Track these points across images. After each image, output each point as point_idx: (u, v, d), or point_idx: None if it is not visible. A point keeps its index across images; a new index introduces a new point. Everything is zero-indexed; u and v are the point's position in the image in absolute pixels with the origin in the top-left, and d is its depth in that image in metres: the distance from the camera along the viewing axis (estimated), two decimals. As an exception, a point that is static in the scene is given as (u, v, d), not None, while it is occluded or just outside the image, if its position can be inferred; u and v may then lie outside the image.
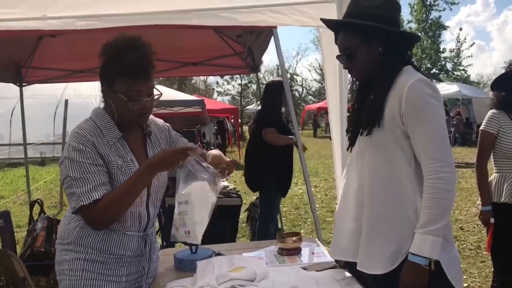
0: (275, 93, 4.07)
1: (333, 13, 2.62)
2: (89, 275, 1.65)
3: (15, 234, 3.80)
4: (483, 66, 65.71)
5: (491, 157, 2.91)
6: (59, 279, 1.72)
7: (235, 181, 7.29)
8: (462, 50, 27.24)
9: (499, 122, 2.81)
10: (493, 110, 2.89)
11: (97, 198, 1.56)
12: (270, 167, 4.04)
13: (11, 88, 6.04)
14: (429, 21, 28.21)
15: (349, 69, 1.72)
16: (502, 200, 2.81)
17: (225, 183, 4.37)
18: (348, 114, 1.84)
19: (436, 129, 1.50)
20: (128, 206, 1.64)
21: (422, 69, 26.71)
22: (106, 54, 1.64)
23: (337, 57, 1.74)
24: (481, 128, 2.91)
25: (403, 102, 1.51)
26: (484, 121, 2.90)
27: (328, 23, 1.80)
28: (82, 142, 1.60)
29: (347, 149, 1.80)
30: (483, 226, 3.09)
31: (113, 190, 1.63)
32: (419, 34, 28.18)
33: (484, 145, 2.87)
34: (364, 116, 1.64)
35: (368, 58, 1.64)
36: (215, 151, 1.88)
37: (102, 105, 1.75)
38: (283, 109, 4.25)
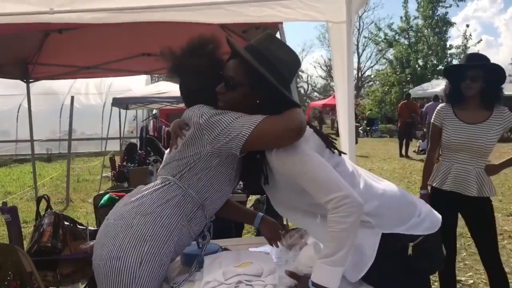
0: None
1: (342, 7, 2.60)
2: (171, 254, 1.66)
3: (22, 229, 3.83)
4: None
5: None
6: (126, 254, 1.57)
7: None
8: (469, 47, 27.03)
9: (442, 115, 3.00)
10: (442, 104, 3.08)
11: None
12: None
13: (18, 85, 6.08)
14: (436, 18, 28.01)
15: (219, 96, 1.66)
16: (434, 184, 3.03)
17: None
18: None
19: (315, 172, 1.50)
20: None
21: (428, 65, 26.62)
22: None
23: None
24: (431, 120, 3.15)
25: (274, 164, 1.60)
26: (433, 114, 3.11)
27: (231, 47, 1.70)
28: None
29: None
30: None
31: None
32: (426, 30, 28.22)
33: (432, 136, 3.11)
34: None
35: (242, 100, 1.62)
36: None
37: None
38: None
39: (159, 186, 1.68)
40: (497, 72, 2.81)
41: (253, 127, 1.54)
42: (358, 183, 1.65)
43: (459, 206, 2.96)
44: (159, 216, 1.62)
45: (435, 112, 3.07)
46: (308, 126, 1.59)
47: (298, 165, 1.50)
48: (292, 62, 1.65)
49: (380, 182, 1.78)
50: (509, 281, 3.91)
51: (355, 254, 1.57)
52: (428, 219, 1.73)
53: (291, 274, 1.62)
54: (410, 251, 1.62)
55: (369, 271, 1.61)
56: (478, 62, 2.83)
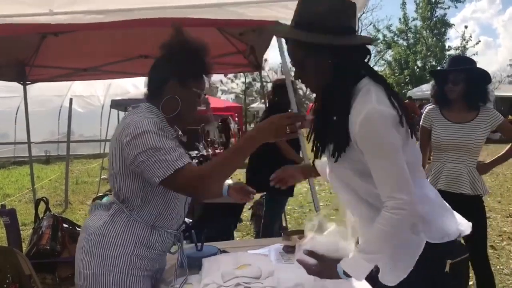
0: (283, 92, 4.03)
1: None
2: (135, 272, 1.64)
3: (21, 232, 3.82)
4: (489, 63, 65.41)
5: None
6: (93, 273, 1.63)
7: (239, 179, 7.29)
8: (467, 48, 27.11)
9: (430, 117, 3.09)
10: (430, 106, 3.17)
11: (190, 162, 1.55)
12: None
13: (16, 87, 6.06)
14: (434, 19, 28.08)
15: (301, 81, 1.62)
16: None
17: (230, 181, 4.36)
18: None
19: (392, 165, 1.42)
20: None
21: (427, 67, 26.62)
22: (181, 51, 1.69)
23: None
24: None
25: (357, 136, 1.44)
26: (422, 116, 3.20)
27: (284, 37, 1.69)
28: (161, 124, 1.63)
29: (312, 163, 1.82)
30: None
31: None
32: (424, 31, 28.27)
33: (421, 138, 3.15)
34: (330, 141, 1.58)
35: (317, 71, 1.54)
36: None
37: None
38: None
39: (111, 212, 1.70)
40: (481, 74, 2.93)
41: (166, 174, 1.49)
42: (415, 180, 1.52)
43: (452, 206, 2.98)
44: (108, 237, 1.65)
45: (423, 114, 3.16)
46: (398, 110, 1.45)
47: (379, 149, 1.43)
48: (330, 9, 1.48)
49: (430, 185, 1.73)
50: (508, 282, 3.93)
51: (395, 259, 1.53)
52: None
53: (311, 253, 1.55)
54: (447, 268, 1.54)
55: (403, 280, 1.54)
56: (461, 65, 2.96)
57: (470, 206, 2.90)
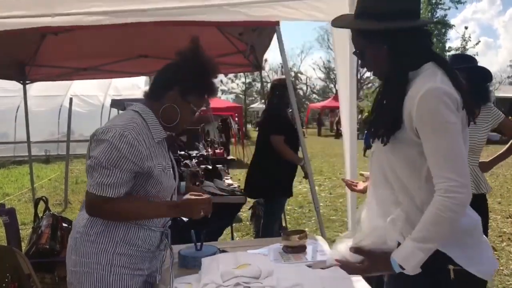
0: (282, 92, 4.01)
1: (345, 7, 2.60)
2: (118, 270, 1.67)
3: (20, 231, 3.82)
4: (489, 64, 65.39)
5: None
6: (79, 271, 1.67)
7: (239, 179, 7.28)
8: (468, 49, 27.10)
9: None
10: None
11: (112, 195, 1.59)
12: (279, 172, 3.98)
13: (16, 86, 6.07)
14: (435, 20, 28.06)
15: (366, 69, 1.67)
16: None
17: (229, 181, 4.36)
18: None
19: (451, 145, 1.37)
20: (133, 221, 1.70)
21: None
22: (193, 65, 1.72)
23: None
24: None
25: (414, 115, 1.41)
26: None
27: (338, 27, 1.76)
28: (139, 140, 1.63)
29: (364, 154, 1.78)
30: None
31: (152, 188, 1.69)
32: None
33: None
34: (381, 124, 1.54)
35: (376, 58, 1.56)
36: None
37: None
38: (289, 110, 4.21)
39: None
40: (482, 73, 2.91)
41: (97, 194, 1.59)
42: None
43: None
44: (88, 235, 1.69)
45: None
46: (461, 95, 1.44)
47: (439, 127, 1.38)
48: None
49: None
50: (508, 283, 3.93)
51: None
52: (487, 260, 1.55)
53: (357, 250, 1.51)
54: (452, 275, 1.47)
55: (406, 281, 1.48)
56: (460, 64, 2.89)
57: (474, 205, 2.91)
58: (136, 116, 1.70)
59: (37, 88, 10.35)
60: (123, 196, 1.62)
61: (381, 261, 1.46)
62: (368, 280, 1.66)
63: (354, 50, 1.63)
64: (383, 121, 1.53)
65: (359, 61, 1.65)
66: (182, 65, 1.74)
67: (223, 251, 2.04)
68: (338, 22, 1.70)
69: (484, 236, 1.60)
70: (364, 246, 1.50)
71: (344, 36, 2.73)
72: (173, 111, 1.73)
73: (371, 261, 1.49)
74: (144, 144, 1.64)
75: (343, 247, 1.59)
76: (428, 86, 1.40)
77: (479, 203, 2.91)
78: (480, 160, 3.02)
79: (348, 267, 1.55)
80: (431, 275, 1.46)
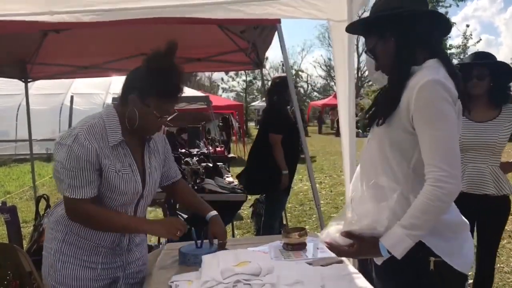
0: (282, 91, 4.01)
1: (343, 6, 2.60)
2: (65, 258, 1.75)
3: (21, 229, 3.83)
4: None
5: None
6: (43, 254, 1.83)
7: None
8: (469, 46, 27.02)
9: None
10: None
11: (83, 197, 1.64)
12: (278, 171, 3.99)
13: (18, 84, 6.07)
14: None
15: (381, 71, 1.67)
16: None
17: (230, 179, 4.36)
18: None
19: (445, 136, 1.42)
20: (101, 230, 1.77)
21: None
22: (149, 68, 1.71)
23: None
24: None
25: (412, 103, 1.45)
26: None
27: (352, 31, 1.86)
28: (89, 140, 1.65)
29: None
30: None
31: (106, 190, 1.70)
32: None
33: None
34: (379, 107, 1.63)
35: (384, 53, 1.60)
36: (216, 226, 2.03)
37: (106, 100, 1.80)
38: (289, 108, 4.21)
39: None
40: (504, 70, 2.77)
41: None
42: None
43: (476, 208, 2.73)
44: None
45: None
46: (458, 93, 1.48)
47: (434, 117, 1.42)
48: None
49: None
50: (509, 280, 3.93)
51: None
52: (466, 255, 1.58)
53: (348, 234, 1.55)
54: (432, 266, 1.52)
55: (386, 270, 1.57)
56: (482, 60, 2.80)
57: (497, 206, 2.81)
58: (97, 118, 1.73)
59: (38, 87, 10.35)
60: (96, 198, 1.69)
61: (370, 245, 1.50)
62: (368, 279, 1.66)
63: (366, 49, 1.69)
64: (381, 105, 1.60)
65: (375, 63, 1.68)
66: (142, 69, 1.73)
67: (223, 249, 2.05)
68: (351, 26, 1.78)
69: (469, 232, 1.63)
70: (354, 230, 1.54)
71: (342, 33, 2.73)
72: (134, 115, 1.71)
73: (360, 245, 1.53)
74: (96, 143, 1.66)
75: (334, 230, 1.62)
76: (428, 77, 1.44)
77: (500, 204, 2.81)
78: (501, 161, 2.88)
79: (338, 250, 1.59)
80: (412, 265, 1.51)
